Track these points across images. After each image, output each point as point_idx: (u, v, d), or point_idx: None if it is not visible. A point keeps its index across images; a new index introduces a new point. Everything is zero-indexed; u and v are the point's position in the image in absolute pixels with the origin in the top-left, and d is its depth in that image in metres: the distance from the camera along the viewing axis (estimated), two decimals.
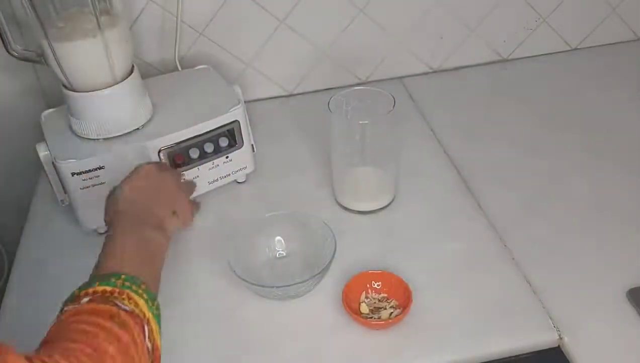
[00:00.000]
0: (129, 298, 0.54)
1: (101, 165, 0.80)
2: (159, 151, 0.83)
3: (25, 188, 1.00)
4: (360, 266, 0.77)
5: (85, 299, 0.53)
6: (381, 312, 0.72)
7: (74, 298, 0.54)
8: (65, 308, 0.53)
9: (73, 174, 0.80)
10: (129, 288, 0.54)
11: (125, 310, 0.52)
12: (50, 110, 0.90)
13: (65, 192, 0.84)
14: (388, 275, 0.75)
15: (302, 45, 1.10)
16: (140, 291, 0.55)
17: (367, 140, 0.82)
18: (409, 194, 0.90)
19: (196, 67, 0.99)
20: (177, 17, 1.01)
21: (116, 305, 0.52)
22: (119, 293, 0.53)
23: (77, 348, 0.47)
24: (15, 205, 1.01)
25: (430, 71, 1.19)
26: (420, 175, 0.94)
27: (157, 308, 0.57)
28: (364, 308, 0.73)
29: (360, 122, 0.81)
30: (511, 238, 0.82)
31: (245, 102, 0.91)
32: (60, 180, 0.82)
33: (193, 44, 1.07)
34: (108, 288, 0.54)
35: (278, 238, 0.81)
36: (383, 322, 0.70)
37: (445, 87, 1.15)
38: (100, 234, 0.86)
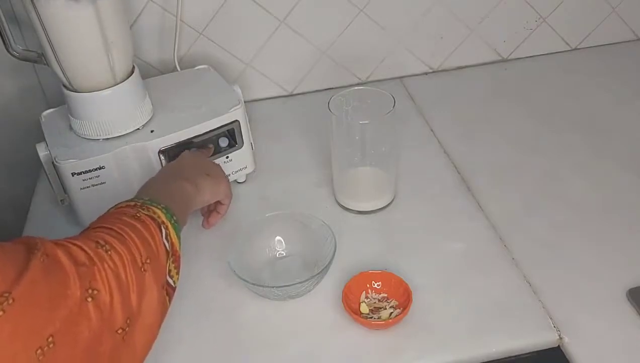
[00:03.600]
0: (148, 209, 0.63)
1: (101, 165, 0.80)
2: (160, 151, 0.83)
3: (25, 188, 1.00)
4: (360, 266, 0.77)
5: (112, 209, 0.63)
6: (381, 312, 0.72)
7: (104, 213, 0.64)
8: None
9: (73, 174, 0.80)
10: (150, 203, 0.64)
11: (145, 214, 0.61)
12: (50, 110, 0.90)
13: (65, 192, 0.84)
14: (388, 275, 0.75)
15: (302, 45, 1.10)
16: (160, 206, 0.64)
17: (367, 140, 0.83)
18: (409, 194, 0.90)
19: (196, 67, 0.99)
20: (176, 17, 1.01)
21: (137, 211, 0.61)
22: (140, 206, 0.63)
23: (100, 232, 0.56)
24: (15, 205, 1.01)
25: (430, 71, 1.19)
26: (420, 175, 0.94)
27: (177, 222, 0.65)
28: (364, 308, 0.73)
29: (360, 122, 0.81)
30: (511, 238, 0.82)
31: (245, 102, 0.91)
32: (60, 180, 0.82)
33: (193, 44, 1.07)
34: (131, 203, 0.63)
35: (278, 238, 0.81)
36: (383, 322, 0.70)
37: (445, 87, 1.15)
38: None
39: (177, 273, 0.64)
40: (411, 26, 1.12)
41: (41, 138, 0.84)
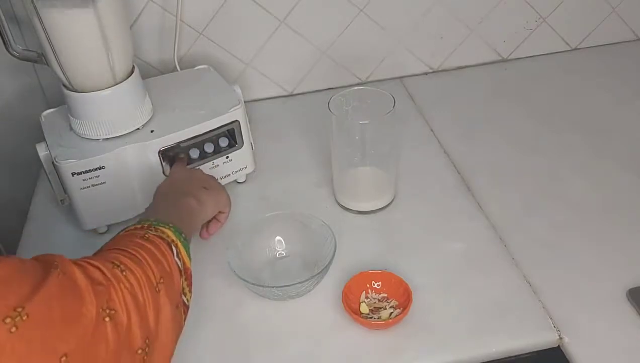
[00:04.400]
0: (156, 229, 0.63)
1: (101, 165, 0.80)
2: (160, 151, 0.83)
3: (25, 188, 1.00)
4: (360, 266, 0.77)
5: (122, 232, 0.64)
6: (381, 312, 0.72)
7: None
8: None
9: (73, 174, 0.80)
10: (157, 224, 0.64)
11: (153, 234, 0.62)
12: (50, 110, 0.90)
13: (65, 192, 0.84)
14: (388, 275, 0.75)
15: (302, 45, 1.10)
16: (168, 226, 0.64)
17: (367, 140, 0.83)
18: (409, 194, 0.90)
19: (196, 67, 0.99)
20: (176, 17, 1.01)
21: (146, 232, 0.62)
22: (148, 226, 0.63)
23: (114, 253, 0.57)
24: (15, 205, 1.01)
25: (430, 71, 1.19)
26: (420, 175, 0.94)
27: (186, 239, 0.65)
28: (364, 308, 0.73)
29: (360, 122, 0.81)
30: (511, 238, 0.82)
31: (245, 102, 0.91)
32: (60, 180, 0.82)
33: (193, 44, 1.07)
34: (139, 225, 0.64)
35: (278, 238, 0.81)
36: (383, 322, 0.70)
37: (445, 87, 1.15)
38: (100, 234, 0.87)
39: (190, 291, 0.64)
40: (411, 26, 1.12)
41: (41, 138, 0.84)
